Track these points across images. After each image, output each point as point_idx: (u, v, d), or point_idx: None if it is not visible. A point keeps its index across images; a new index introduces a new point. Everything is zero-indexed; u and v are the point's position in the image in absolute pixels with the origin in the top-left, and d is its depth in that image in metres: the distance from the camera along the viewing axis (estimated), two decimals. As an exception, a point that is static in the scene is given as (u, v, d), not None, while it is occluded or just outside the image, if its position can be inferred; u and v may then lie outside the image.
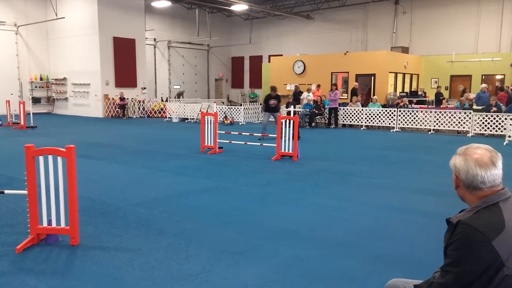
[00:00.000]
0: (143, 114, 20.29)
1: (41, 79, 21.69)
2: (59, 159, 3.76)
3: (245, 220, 4.65)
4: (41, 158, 3.79)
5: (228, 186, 6.29)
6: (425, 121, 14.22)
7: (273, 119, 12.32)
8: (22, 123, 14.35)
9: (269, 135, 10.46)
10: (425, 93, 18.61)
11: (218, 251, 3.72)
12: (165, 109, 19.76)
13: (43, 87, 21.87)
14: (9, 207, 5.00)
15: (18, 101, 15.58)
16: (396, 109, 14.80)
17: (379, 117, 15.02)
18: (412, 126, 14.54)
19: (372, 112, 15.15)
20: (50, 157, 3.79)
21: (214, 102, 17.15)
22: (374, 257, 3.66)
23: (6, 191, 4.16)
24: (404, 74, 19.46)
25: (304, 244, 3.92)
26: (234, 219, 4.68)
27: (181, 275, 3.28)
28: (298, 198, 5.60)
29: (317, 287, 3.11)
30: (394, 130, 14.62)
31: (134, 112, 20.26)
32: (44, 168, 3.79)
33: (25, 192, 3.83)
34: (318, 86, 17.56)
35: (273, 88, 12.22)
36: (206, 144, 9.45)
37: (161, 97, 24.87)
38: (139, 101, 20.41)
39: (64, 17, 19.74)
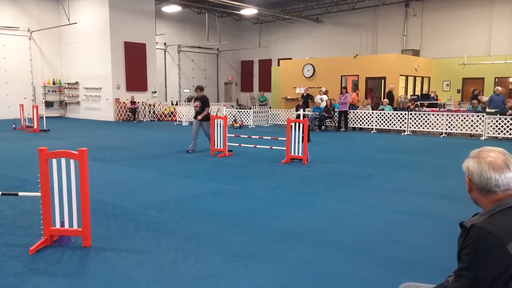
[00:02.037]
0: (154, 118, 20.45)
1: (54, 83, 22.01)
2: (72, 161, 3.81)
3: (255, 223, 4.65)
4: (54, 161, 3.85)
5: (238, 189, 6.30)
6: (437, 124, 14.08)
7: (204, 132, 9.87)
8: (35, 126, 14.57)
9: (192, 150, 9.44)
10: (436, 96, 18.43)
11: (228, 254, 3.73)
12: (175, 112, 19.89)
13: (55, 91, 22.19)
14: (23, 209, 5.07)
15: (32, 105, 15.83)
16: (407, 112, 14.68)
17: (390, 120, 14.90)
18: (424, 130, 14.41)
19: (382, 115, 15.05)
20: (63, 160, 3.84)
21: (224, 106, 17.19)
22: (386, 261, 3.63)
23: (20, 193, 4.23)
24: (415, 77, 19.30)
25: (314, 248, 3.90)
26: (244, 222, 4.69)
27: (191, 277, 3.29)
28: (308, 202, 5.58)
29: (327, 290, 3.10)
30: (405, 133, 14.50)
31: (145, 115, 20.43)
32: (57, 171, 3.85)
33: (38, 194, 3.89)
34: (356, 90, 17.53)
35: (198, 87, 9.93)
36: (215, 147, 9.48)
37: (171, 101, 25.04)
38: (150, 105, 20.58)
39: (76, 22, 20.03)
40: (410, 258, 3.69)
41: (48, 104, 21.19)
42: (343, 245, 3.98)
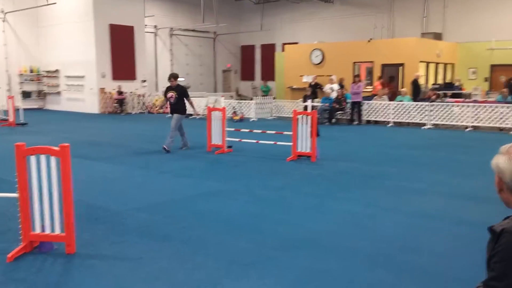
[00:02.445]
0: (143, 110, 20.46)
1: (31, 71, 22.03)
2: (53, 159, 3.82)
3: (258, 228, 4.66)
4: (32, 158, 3.86)
5: (238, 189, 6.31)
6: (462, 116, 14.06)
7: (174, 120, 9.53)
8: (11, 119, 14.59)
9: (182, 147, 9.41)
10: (461, 85, 18.37)
11: (227, 262, 3.74)
12: (167, 104, 19.87)
13: (33, 80, 22.20)
14: (-2, 212, 5.09)
15: (7, 96, 15.85)
16: (428, 103, 14.65)
17: (409, 112, 14.88)
18: (447, 123, 14.38)
19: (400, 106, 15.03)
20: (42, 157, 3.85)
21: (222, 96, 17.24)
22: (405, 270, 3.64)
23: (-5, 194, 4.25)
24: (436, 64, 19.23)
25: (324, 255, 3.92)
26: (245, 226, 4.70)
27: (187, 287, 3.31)
28: (316, 204, 5.59)
29: (339, 302, 3.11)
30: (426, 127, 14.49)
31: (133, 107, 20.44)
32: (37, 169, 3.86)
33: (15, 195, 3.90)
34: (380, 78, 17.41)
35: (172, 75, 9.82)
36: (213, 143, 9.49)
37: (163, 91, 25.05)
38: (139, 95, 20.58)
39: (55, 3, 19.98)
40: (432, 266, 3.70)
41: (26, 95, 21.22)
42: (356, 252, 3.99)
